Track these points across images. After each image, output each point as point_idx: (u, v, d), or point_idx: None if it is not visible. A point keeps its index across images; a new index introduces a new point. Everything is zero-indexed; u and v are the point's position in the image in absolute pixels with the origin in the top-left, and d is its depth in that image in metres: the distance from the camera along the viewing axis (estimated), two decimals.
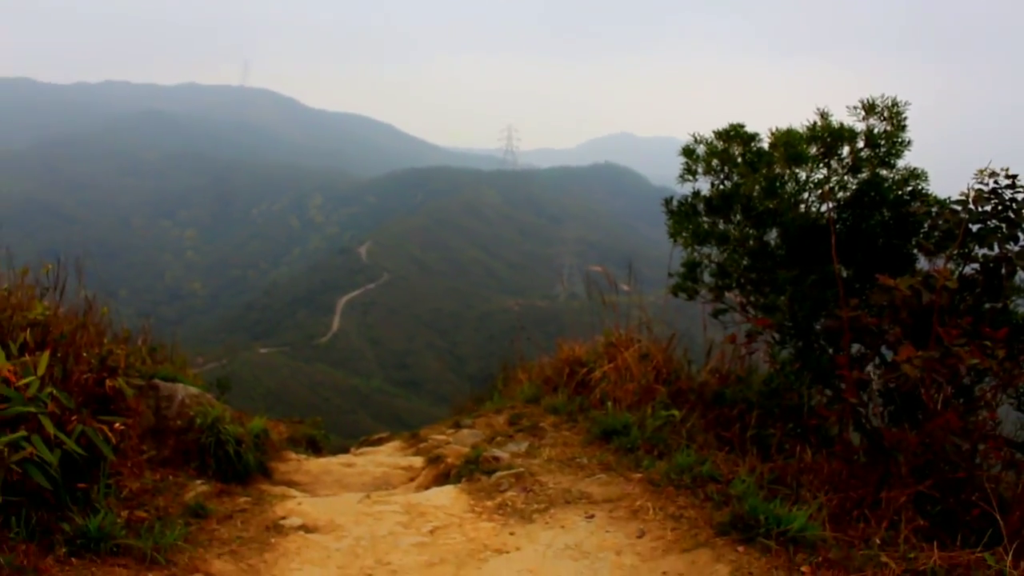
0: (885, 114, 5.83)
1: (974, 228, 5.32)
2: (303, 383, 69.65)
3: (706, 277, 6.75)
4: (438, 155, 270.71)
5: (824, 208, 6.05)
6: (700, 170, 6.57)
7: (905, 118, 5.83)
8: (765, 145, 6.27)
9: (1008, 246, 5.20)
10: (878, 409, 5.42)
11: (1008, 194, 5.25)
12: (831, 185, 6.02)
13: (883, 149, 5.90)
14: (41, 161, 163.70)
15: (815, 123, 5.98)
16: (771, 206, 6.08)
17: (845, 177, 6.04)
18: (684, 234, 6.61)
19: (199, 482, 5.50)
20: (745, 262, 6.45)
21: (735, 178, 6.40)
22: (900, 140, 5.88)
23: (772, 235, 6.37)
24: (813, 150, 5.99)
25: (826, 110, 5.99)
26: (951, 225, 5.34)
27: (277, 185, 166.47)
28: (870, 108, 5.83)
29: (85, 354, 5.14)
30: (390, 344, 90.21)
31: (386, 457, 7.79)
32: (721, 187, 6.51)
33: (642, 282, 8.55)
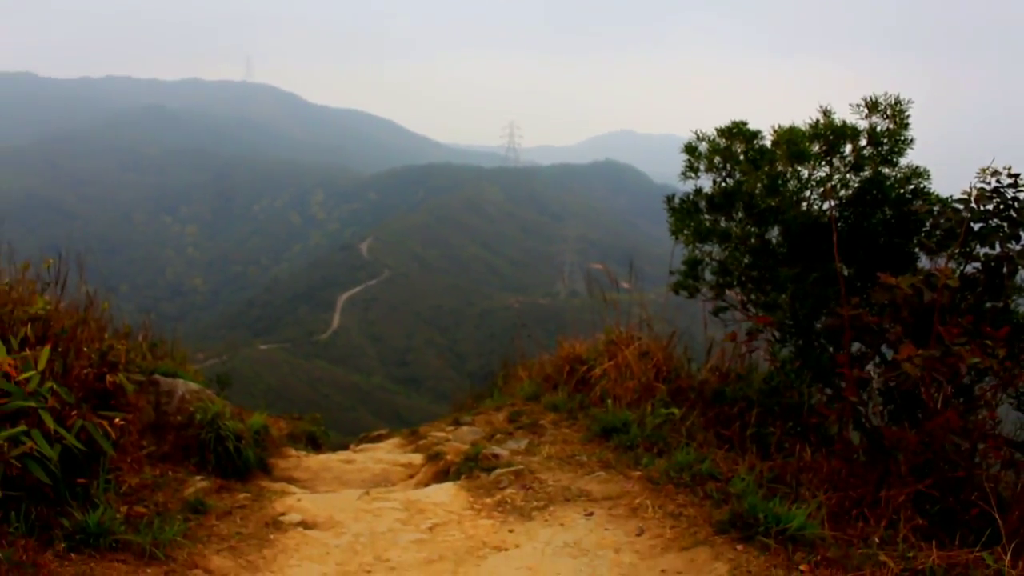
0: (888, 112, 5.82)
1: (976, 227, 5.32)
2: (303, 380, 69.64)
3: (707, 275, 6.75)
4: (440, 152, 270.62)
5: (826, 206, 6.05)
6: (702, 167, 6.57)
7: (908, 116, 5.83)
8: (767, 143, 6.27)
9: (1010, 245, 5.19)
10: (878, 408, 5.42)
11: (1010, 193, 5.24)
12: (833, 183, 6.01)
13: (885, 147, 5.89)
14: (42, 156, 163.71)
15: (818, 121, 5.97)
16: (773, 204, 6.07)
17: (847, 175, 6.03)
18: (686, 231, 6.60)
19: (199, 478, 5.50)
20: (746, 260, 6.44)
21: (737, 176, 6.40)
22: (902, 138, 5.87)
23: (774, 233, 6.36)
24: (815, 148, 5.98)
25: (829, 108, 5.99)
26: (953, 224, 5.34)
27: (278, 181, 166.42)
28: (873, 106, 5.82)
29: (86, 349, 5.15)
30: (390, 341, 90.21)
31: (386, 454, 7.79)
32: (723, 184, 6.50)
33: (643, 280, 8.56)
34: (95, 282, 6.83)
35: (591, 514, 4.94)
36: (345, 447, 9.34)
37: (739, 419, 6.02)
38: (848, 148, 5.99)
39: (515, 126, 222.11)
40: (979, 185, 5.31)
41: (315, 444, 9.33)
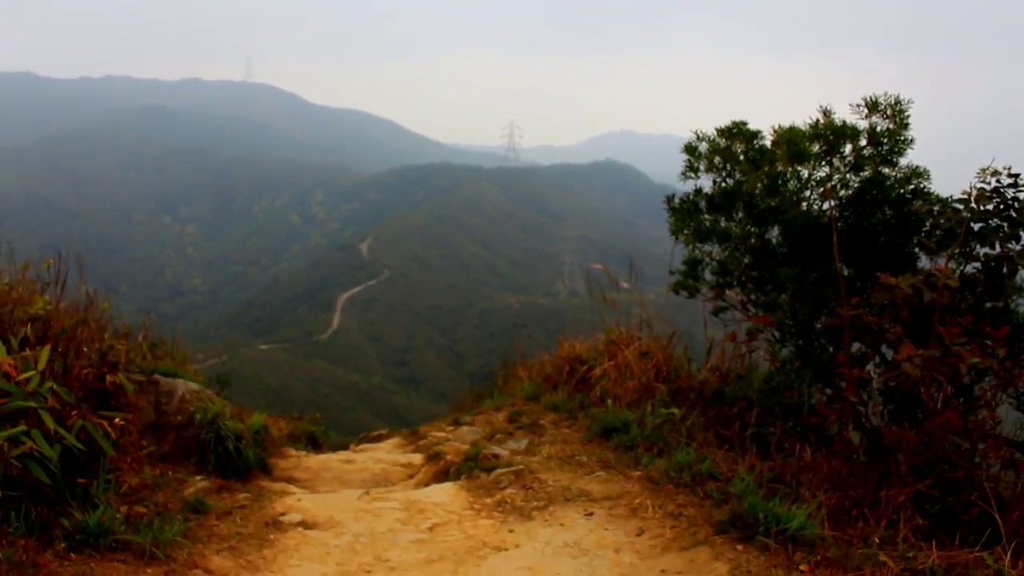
0: (888, 112, 5.82)
1: (976, 227, 5.32)
2: (303, 380, 69.62)
3: (707, 275, 6.75)
4: (440, 152, 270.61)
5: (826, 206, 6.05)
6: (702, 167, 6.57)
7: (908, 116, 5.83)
8: (767, 143, 6.27)
9: (1010, 245, 5.19)
10: (878, 408, 5.42)
11: (1010, 193, 5.24)
12: (833, 183, 6.01)
13: (885, 147, 5.89)
14: (43, 156, 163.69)
15: (818, 121, 5.97)
16: (773, 204, 6.08)
17: (847, 175, 6.03)
18: (686, 231, 6.61)
19: (199, 478, 5.50)
20: (746, 260, 6.44)
21: (737, 175, 6.40)
22: (903, 138, 5.87)
23: (774, 233, 6.36)
24: (815, 148, 5.99)
25: (829, 108, 5.99)
26: (953, 224, 5.34)
27: (278, 181, 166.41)
28: (873, 106, 5.82)
29: (86, 349, 5.15)
30: (390, 341, 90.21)
31: (385, 454, 7.79)
32: (723, 184, 6.50)
33: (643, 280, 8.56)
34: (95, 282, 6.83)
35: (591, 514, 4.94)
36: (345, 447, 9.34)
37: (739, 419, 6.02)
38: (848, 148, 5.99)
39: (515, 126, 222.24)
40: (979, 185, 5.31)
41: (315, 444, 9.33)
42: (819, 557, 3.93)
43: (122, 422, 4.74)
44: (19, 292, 5.66)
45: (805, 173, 6.15)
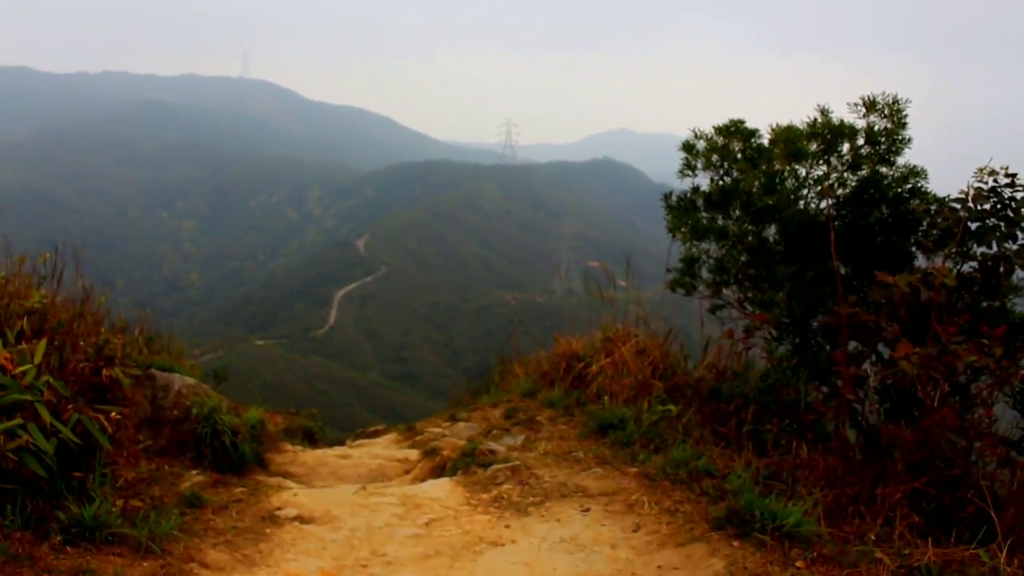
0: (886, 111, 5.83)
1: (973, 226, 5.33)
2: (299, 375, 69.64)
3: (704, 273, 6.76)
4: (437, 149, 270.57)
5: (823, 205, 6.05)
6: (700, 165, 6.57)
7: (906, 115, 5.84)
8: (765, 141, 6.28)
9: (1006, 245, 5.20)
10: (874, 406, 5.43)
11: (1007, 193, 5.25)
12: (831, 182, 6.02)
13: (883, 146, 5.90)
14: (40, 151, 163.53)
15: (815, 120, 5.98)
16: (770, 202, 6.08)
17: (845, 174, 6.04)
18: (683, 229, 6.61)
19: (195, 472, 5.50)
20: (744, 258, 6.45)
21: (735, 174, 6.40)
22: (900, 137, 5.88)
23: (771, 231, 6.37)
24: (813, 147, 5.99)
25: (827, 107, 5.99)
26: (950, 223, 5.35)
27: (275, 177, 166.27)
28: (871, 105, 5.83)
29: (82, 343, 5.14)
30: (387, 337, 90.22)
31: (382, 449, 7.79)
32: (720, 183, 6.51)
33: (640, 278, 8.56)
34: (91, 276, 6.82)
35: (587, 510, 4.94)
36: (341, 443, 9.34)
37: (735, 416, 6.02)
38: (846, 147, 6.00)
39: (513, 123, 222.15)
40: (976, 185, 5.32)
41: (311, 439, 9.33)
42: (815, 554, 3.94)
43: (118, 416, 4.74)
44: (15, 286, 5.66)
45: (803, 172, 6.16)
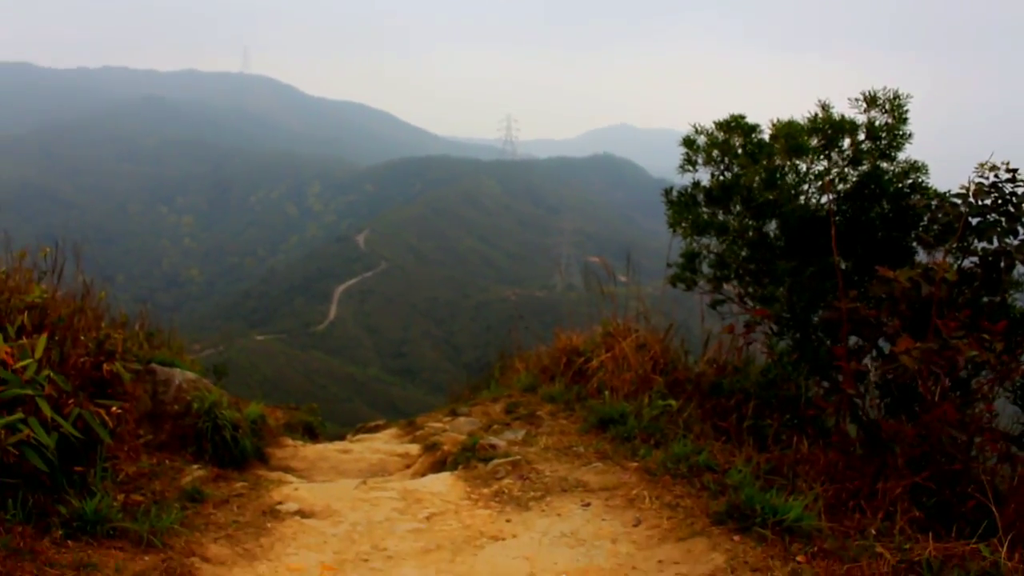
0: (887, 107, 5.83)
1: (973, 222, 5.33)
2: (299, 371, 69.61)
3: (705, 268, 6.75)
4: (437, 144, 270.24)
5: (824, 200, 6.05)
6: (700, 160, 6.57)
7: (907, 111, 5.83)
8: (766, 136, 6.27)
9: (1007, 240, 5.20)
10: (875, 401, 5.43)
11: (1008, 188, 5.24)
12: (831, 177, 6.01)
13: (884, 142, 5.90)
14: (40, 146, 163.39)
15: (816, 115, 5.98)
16: (771, 197, 6.07)
17: (845, 169, 6.04)
18: (683, 224, 6.60)
19: (196, 467, 5.50)
20: (744, 253, 6.45)
21: (735, 169, 6.40)
22: (901, 133, 5.88)
23: (771, 226, 6.37)
24: (814, 142, 5.99)
25: (827, 102, 5.99)
26: (951, 218, 5.34)
27: (275, 172, 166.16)
28: (872, 100, 5.82)
29: (83, 338, 5.14)
30: (387, 333, 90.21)
31: (382, 444, 7.79)
32: (721, 178, 6.50)
33: (640, 273, 8.56)
34: (91, 272, 6.82)
35: (588, 504, 4.95)
36: (342, 437, 9.34)
37: (736, 411, 6.03)
38: (847, 142, 6.00)
39: (513, 119, 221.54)
40: (977, 180, 5.31)
41: (312, 434, 9.34)
42: (816, 548, 3.94)
43: (119, 411, 4.74)
44: (16, 280, 5.66)
45: (803, 167, 6.16)
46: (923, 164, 5.95)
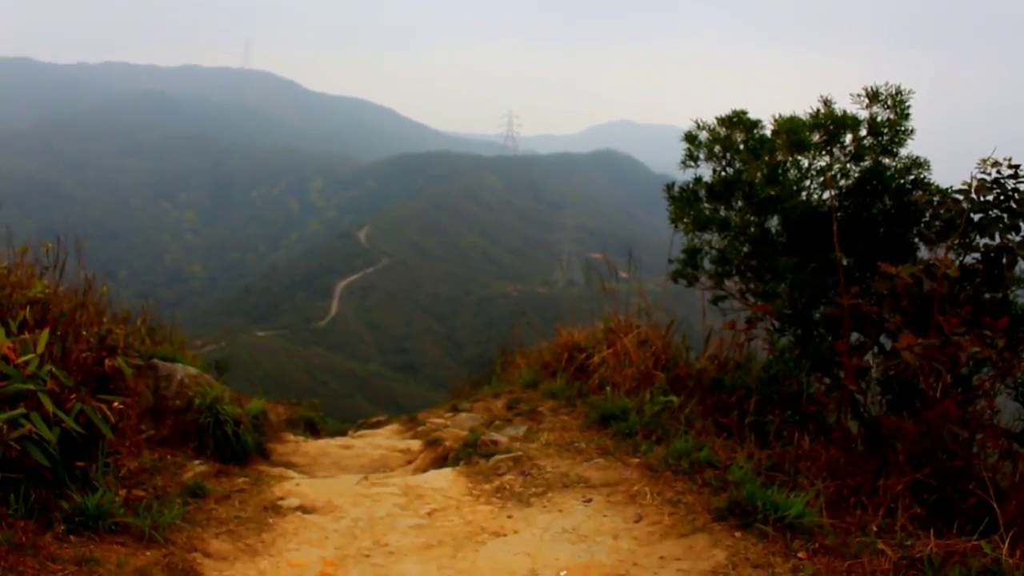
0: (889, 102, 5.82)
1: (976, 217, 5.32)
2: (301, 367, 69.64)
3: (706, 264, 6.75)
4: (439, 140, 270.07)
5: (826, 196, 6.05)
6: (702, 156, 6.56)
7: (909, 106, 5.82)
8: (768, 132, 6.26)
9: (1009, 236, 5.20)
10: (876, 397, 5.43)
11: (1010, 184, 5.24)
12: (833, 173, 6.00)
13: (886, 137, 5.89)
14: (41, 141, 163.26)
15: (818, 110, 5.97)
16: (773, 193, 6.07)
17: (847, 165, 6.03)
18: (685, 220, 6.60)
19: (197, 462, 5.50)
20: (746, 249, 6.44)
21: (737, 164, 6.39)
22: (903, 128, 5.86)
23: (773, 222, 6.37)
24: (816, 137, 5.98)
25: (830, 97, 5.98)
26: (953, 214, 5.34)
27: (277, 168, 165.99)
28: (874, 96, 5.81)
29: (84, 333, 5.14)
30: (388, 328, 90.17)
31: (384, 440, 7.80)
32: (723, 173, 6.50)
33: (641, 269, 8.56)
34: (93, 267, 6.83)
35: (589, 500, 4.95)
36: (343, 433, 9.36)
37: (738, 407, 6.03)
38: (848, 138, 5.99)
39: (514, 115, 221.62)
40: (979, 176, 5.31)
41: (313, 430, 9.35)
42: (817, 545, 3.94)
43: (121, 406, 4.74)
44: (18, 275, 5.66)
45: (805, 163, 6.15)
46: (925, 160, 5.94)
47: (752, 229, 6.38)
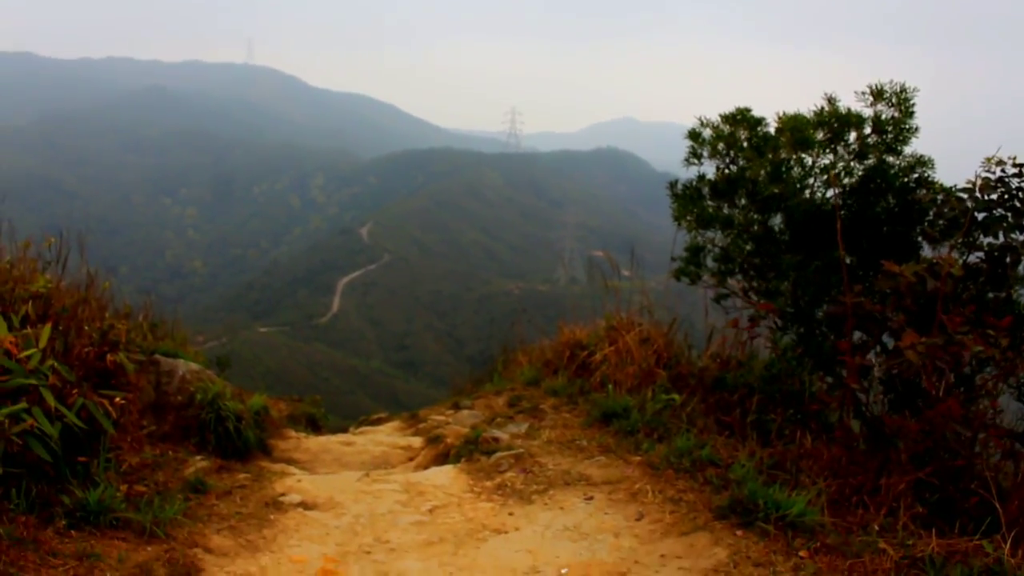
0: (893, 100, 5.80)
1: (980, 216, 5.30)
2: (302, 363, 69.63)
3: (709, 262, 6.74)
4: (441, 137, 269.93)
5: (830, 194, 6.03)
6: (705, 154, 6.55)
7: (913, 105, 5.80)
8: (771, 130, 6.25)
9: (1013, 235, 5.18)
10: (879, 396, 5.42)
11: (1015, 183, 5.22)
12: (837, 171, 5.99)
13: (890, 135, 5.87)
14: (43, 136, 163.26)
15: (822, 108, 5.95)
16: (776, 191, 6.06)
17: (851, 163, 6.01)
18: (688, 218, 6.59)
19: (199, 458, 5.50)
20: (749, 247, 6.43)
21: (741, 162, 6.38)
22: (907, 127, 5.84)
23: (777, 220, 6.35)
24: (820, 135, 5.96)
25: (833, 95, 5.96)
26: (957, 213, 5.32)
27: (278, 164, 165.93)
28: (878, 94, 5.79)
29: (86, 328, 5.14)
30: (389, 325, 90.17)
31: (385, 437, 7.80)
32: (726, 171, 6.48)
33: (643, 267, 8.55)
34: (95, 262, 6.83)
35: (591, 498, 4.95)
36: (344, 430, 9.36)
37: (739, 406, 6.02)
38: (852, 136, 5.97)
39: (516, 112, 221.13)
40: (983, 174, 5.29)
41: (315, 426, 9.35)
42: (818, 543, 3.94)
43: (123, 401, 4.74)
44: (20, 270, 5.66)
45: (809, 160, 6.14)
46: (929, 158, 5.92)
47: (755, 227, 6.37)
